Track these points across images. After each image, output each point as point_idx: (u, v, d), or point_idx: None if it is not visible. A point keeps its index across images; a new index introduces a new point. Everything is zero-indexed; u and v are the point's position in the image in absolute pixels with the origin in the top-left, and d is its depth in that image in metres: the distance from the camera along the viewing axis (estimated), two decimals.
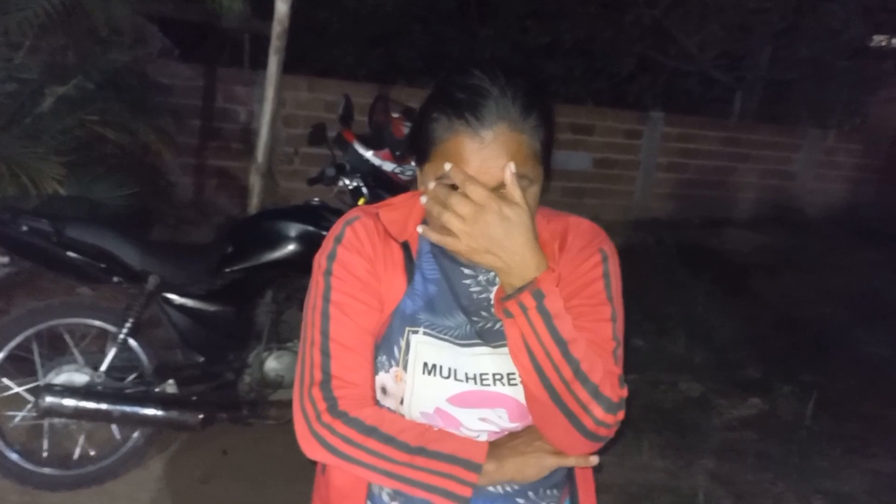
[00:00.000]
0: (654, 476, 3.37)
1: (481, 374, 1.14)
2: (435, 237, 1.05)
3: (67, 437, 2.98)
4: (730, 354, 4.72)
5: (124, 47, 4.11)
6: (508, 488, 1.19)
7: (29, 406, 2.80)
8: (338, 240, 1.16)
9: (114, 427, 2.98)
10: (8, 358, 2.78)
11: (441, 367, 1.14)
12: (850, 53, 8.66)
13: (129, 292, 2.93)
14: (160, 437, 3.14)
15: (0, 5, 3.48)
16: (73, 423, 2.89)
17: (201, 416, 2.85)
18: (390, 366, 1.15)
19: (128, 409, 2.77)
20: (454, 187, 1.02)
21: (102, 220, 2.97)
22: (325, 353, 1.12)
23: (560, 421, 1.08)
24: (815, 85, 8.94)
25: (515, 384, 1.13)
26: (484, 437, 1.15)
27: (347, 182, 3.16)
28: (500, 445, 1.13)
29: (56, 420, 2.84)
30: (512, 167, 1.01)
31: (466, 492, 1.08)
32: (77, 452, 2.95)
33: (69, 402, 2.70)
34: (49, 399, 2.68)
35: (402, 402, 1.15)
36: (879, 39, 9.48)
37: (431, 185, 1.05)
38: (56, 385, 2.76)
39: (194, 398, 2.91)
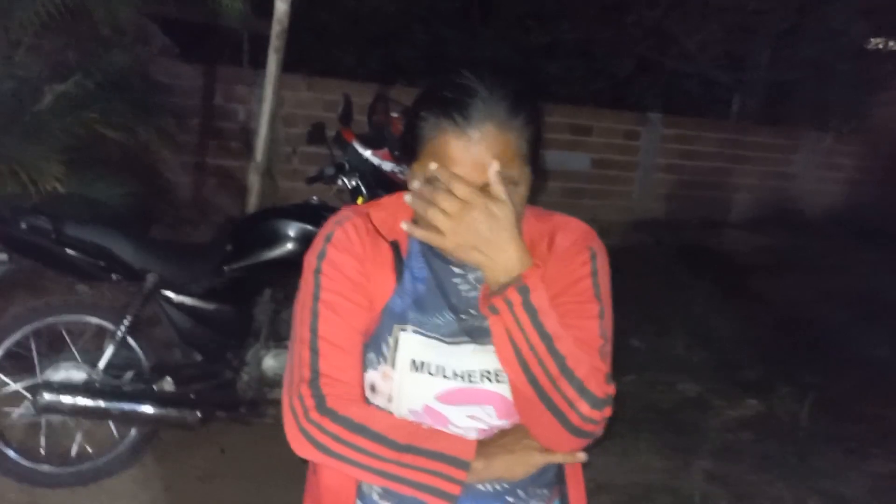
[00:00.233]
0: (652, 476, 3.38)
1: (469, 372, 1.15)
2: (421, 234, 1.06)
3: (65, 434, 2.98)
4: (728, 355, 4.72)
5: (125, 46, 4.11)
6: (498, 486, 1.19)
7: (27, 403, 2.80)
8: (328, 239, 1.17)
9: (111, 425, 2.98)
10: (6, 355, 2.79)
11: (429, 365, 1.15)
12: (850, 55, 8.67)
13: (127, 290, 2.94)
14: (158, 435, 3.14)
15: (1, 3, 3.48)
16: (70, 421, 2.89)
17: (199, 415, 2.85)
18: (379, 363, 1.16)
19: (126, 406, 2.77)
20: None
21: (102, 219, 2.97)
22: (314, 351, 1.13)
23: (546, 417, 1.08)
24: (815, 87, 8.95)
25: (503, 381, 1.14)
26: (473, 435, 1.15)
27: (347, 181, 3.16)
28: (489, 443, 1.13)
29: (54, 417, 2.84)
30: (496, 166, 1.02)
31: (455, 489, 1.08)
32: (74, 450, 2.95)
33: (67, 400, 2.71)
34: (47, 396, 2.69)
35: (390, 400, 1.16)
36: (878, 42, 9.49)
37: (416, 184, 1.06)
38: (54, 382, 2.76)
39: (192, 396, 2.92)
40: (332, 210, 3.06)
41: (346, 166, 3.18)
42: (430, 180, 1.05)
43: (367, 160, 3.15)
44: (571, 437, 1.10)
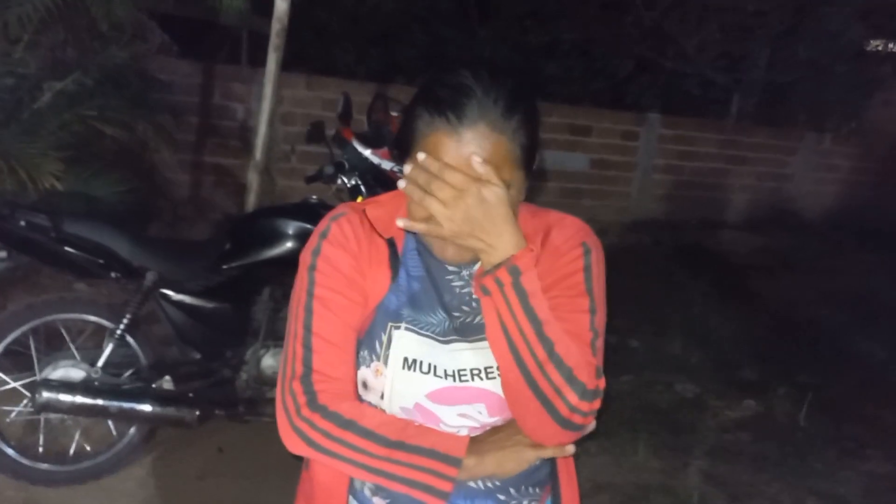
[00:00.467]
0: (649, 476, 3.38)
1: (460, 371, 1.15)
2: (418, 227, 1.07)
3: (63, 432, 2.98)
4: (726, 356, 4.73)
5: (123, 43, 4.10)
6: (490, 484, 1.19)
7: (25, 401, 2.80)
8: (323, 235, 1.17)
9: (110, 423, 2.98)
10: (5, 353, 2.78)
11: (421, 363, 1.15)
12: (848, 56, 8.68)
13: (126, 288, 2.93)
14: (156, 433, 3.14)
15: (0, 1, 3.47)
16: (69, 419, 2.89)
17: (198, 413, 2.85)
18: (371, 361, 1.16)
19: (124, 405, 2.77)
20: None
21: (100, 216, 2.97)
22: (307, 348, 1.13)
23: (534, 405, 1.07)
24: (813, 88, 8.96)
25: (494, 378, 1.14)
26: (464, 433, 1.15)
27: (346, 180, 3.16)
28: (481, 440, 1.13)
29: (52, 415, 2.84)
30: (478, 159, 1.02)
31: (446, 486, 1.08)
32: (73, 448, 2.95)
33: (65, 398, 2.70)
34: (45, 394, 2.68)
35: (382, 397, 1.16)
36: (876, 43, 9.51)
37: (408, 168, 1.06)
38: (52, 380, 2.75)
39: (191, 395, 2.91)
40: (331, 209, 3.07)
41: (346, 165, 3.17)
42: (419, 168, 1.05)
43: (366, 159, 3.14)
44: (560, 429, 1.09)
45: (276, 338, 3.08)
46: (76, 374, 2.80)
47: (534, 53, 8.62)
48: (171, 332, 2.98)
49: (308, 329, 1.14)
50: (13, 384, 2.86)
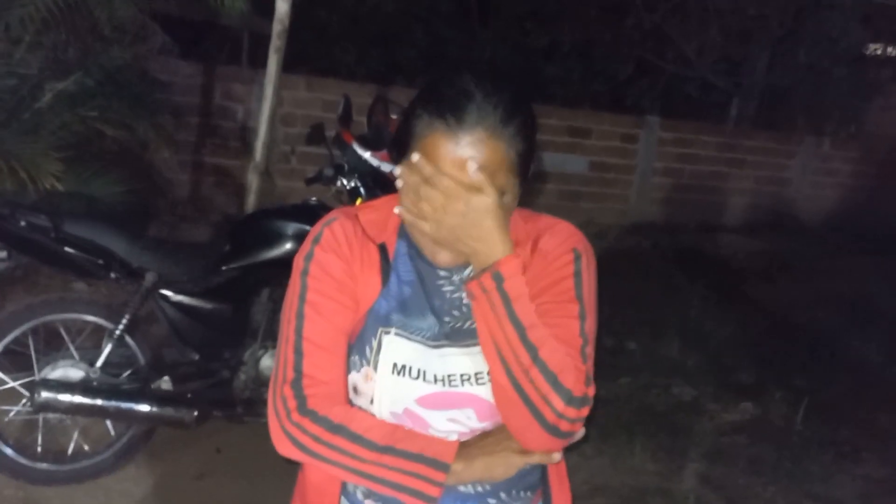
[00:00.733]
0: (646, 479, 3.39)
1: (449, 376, 1.15)
2: (410, 218, 1.08)
3: (62, 432, 2.98)
4: (723, 359, 4.73)
5: (124, 44, 4.12)
6: (480, 488, 1.19)
7: (24, 401, 2.81)
8: (316, 240, 1.18)
9: (108, 423, 2.98)
10: (4, 352, 2.79)
11: (410, 369, 1.15)
12: (847, 61, 8.69)
13: (125, 289, 2.94)
14: (155, 433, 3.14)
15: (2, 1, 3.48)
16: (67, 419, 2.89)
17: (196, 413, 2.85)
18: (361, 366, 1.17)
19: (123, 405, 2.77)
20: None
21: (100, 217, 2.98)
22: (298, 352, 1.14)
23: (521, 411, 1.07)
24: (812, 91, 8.98)
25: (484, 383, 1.14)
26: (454, 438, 1.15)
27: (346, 182, 3.17)
28: (470, 445, 1.14)
29: (51, 415, 2.84)
30: (473, 165, 1.03)
31: (435, 491, 1.08)
32: (71, 448, 2.95)
33: (64, 398, 2.70)
34: (44, 394, 2.68)
35: (372, 402, 1.16)
36: (875, 47, 9.52)
37: (398, 170, 1.07)
38: (51, 380, 2.76)
39: (189, 395, 2.91)
40: (331, 210, 3.08)
41: (346, 167, 3.18)
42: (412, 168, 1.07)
43: (366, 161, 3.15)
44: (546, 435, 1.09)
45: (274, 339, 3.09)
46: (75, 373, 2.80)
47: (534, 55, 8.64)
48: (170, 332, 2.98)
49: (299, 334, 1.14)
50: (12, 384, 2.87)
